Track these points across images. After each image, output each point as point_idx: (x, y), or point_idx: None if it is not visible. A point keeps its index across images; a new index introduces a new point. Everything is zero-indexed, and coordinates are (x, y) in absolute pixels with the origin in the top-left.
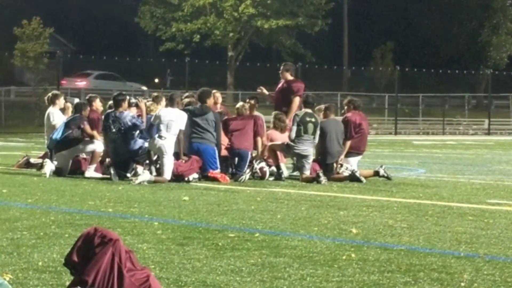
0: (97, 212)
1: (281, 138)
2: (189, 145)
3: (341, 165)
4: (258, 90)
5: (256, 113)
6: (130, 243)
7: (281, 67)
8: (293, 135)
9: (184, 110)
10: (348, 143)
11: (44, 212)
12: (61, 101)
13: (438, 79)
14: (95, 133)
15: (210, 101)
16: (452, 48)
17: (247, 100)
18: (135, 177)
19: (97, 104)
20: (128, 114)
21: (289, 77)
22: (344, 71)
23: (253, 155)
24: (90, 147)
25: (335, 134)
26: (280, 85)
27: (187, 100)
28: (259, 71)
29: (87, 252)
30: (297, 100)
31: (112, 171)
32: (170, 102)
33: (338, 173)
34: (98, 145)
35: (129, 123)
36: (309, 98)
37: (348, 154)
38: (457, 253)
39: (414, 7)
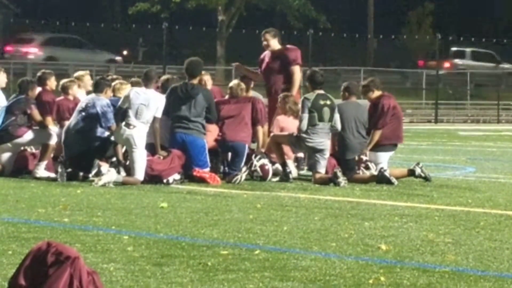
0: (49, 223)
1: (293, 126)
2: (171, 136)
3: (387, 168)
4: (234, 65)
5: (253, 93)
6: (92, 262)
7: (265, 35)
8: (305, 124)
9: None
10: (378, 133)
11: None
12: (1, 77)
13: (492, 50)
14: (49, 119)
15: (200, 77)
16: (511, 11)
17: (238, 80)
18: (98, 177)
19: (52, 84)
20: (104, 100)
21: (278, 45)
22: (369, 41)
23: (252, 148)
24: (39, 139)
25: (355, 122)
26: (267, 59)
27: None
28: (258, 41)
29: (38, 274)
30: (298, 70)
31: (59, 170)
32: (146, 81)
33: (366, 166)
34: (50, 136)
35: (99, 110)
36: (318, 75)
37: (380, 148)
38: None
39: None
